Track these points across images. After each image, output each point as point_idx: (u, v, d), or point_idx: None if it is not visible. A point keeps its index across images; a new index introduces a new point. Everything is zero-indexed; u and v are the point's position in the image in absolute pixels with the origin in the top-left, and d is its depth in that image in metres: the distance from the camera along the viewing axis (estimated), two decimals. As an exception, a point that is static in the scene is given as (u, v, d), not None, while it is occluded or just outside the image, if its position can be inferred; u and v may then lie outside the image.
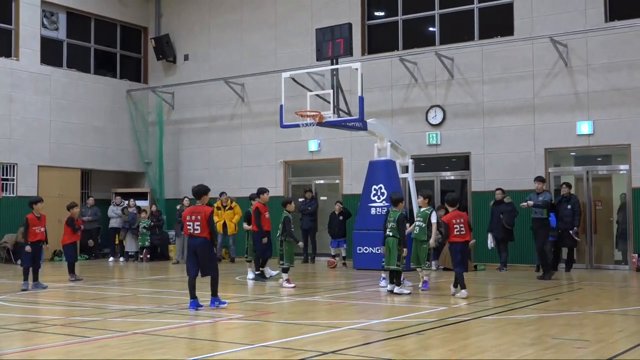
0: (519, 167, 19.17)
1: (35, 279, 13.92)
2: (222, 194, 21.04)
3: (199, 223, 10.40)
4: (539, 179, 16.47)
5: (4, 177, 21.60)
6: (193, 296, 10.52)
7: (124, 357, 7.15)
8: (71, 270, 15.52)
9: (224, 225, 20.47)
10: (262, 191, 15.27)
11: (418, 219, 13.11)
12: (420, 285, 13.02)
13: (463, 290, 11.79)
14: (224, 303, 10.72)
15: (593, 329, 8.83)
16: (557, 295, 12.50)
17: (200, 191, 10.79)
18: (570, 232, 16.96)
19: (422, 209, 13.12)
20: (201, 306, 10.48)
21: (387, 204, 17.55)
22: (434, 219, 12.91)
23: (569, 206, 17.05)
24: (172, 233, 22.39)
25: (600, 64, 18.40)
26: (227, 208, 20.72)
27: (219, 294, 10.73)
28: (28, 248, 13.68)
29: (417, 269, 13.17)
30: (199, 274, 10.63)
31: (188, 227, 10.51)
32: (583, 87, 18.56)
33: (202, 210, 10.48)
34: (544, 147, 18.99)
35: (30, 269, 13.79)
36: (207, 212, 10.45)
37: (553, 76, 18.95)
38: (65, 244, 15.76)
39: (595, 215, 18.55)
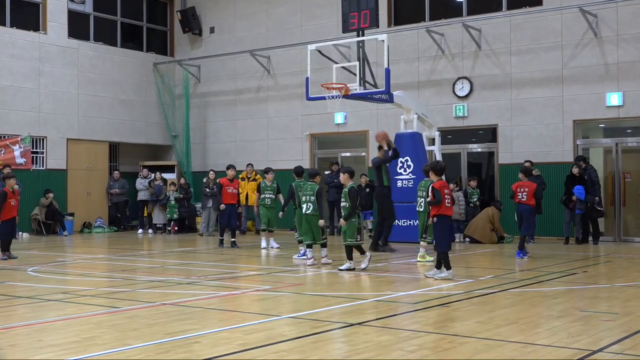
0: (547, 139, 19.00)
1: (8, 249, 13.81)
2: (248, 165, 21.16)
3: (526, 193, 13.76)
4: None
5: (34, 149, 21.84)
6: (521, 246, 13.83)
7: (153, 327, 7.26)
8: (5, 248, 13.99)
9: (247, 196, 20.49)
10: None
11: (423, 191, 12.94)
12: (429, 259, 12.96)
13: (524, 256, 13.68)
14: (526, 255, 13.66)
15: (621, 302, 8.79)
16: (585, 268, 12.45)
17: (528, 170, 14.61)
18: (594, 204, 16.85)
19: (423, 181, 13.02)
20: (527, 254, 13.67)
21: (413, 177, 17.55)
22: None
23: (585, 177, 16.97)
24: (199, 205, 22.53)
25: (630, 34, 18.10)
26: (250, 179, 20.73)
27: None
28: None
29: (425, 242, 13.15)
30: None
31: (518, 195, 13.86)
32: (613, 58, 18.28)
33: (529, 185, 13.94)
34: (572, 119, 18.78)
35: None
36: (532, 187, 13.89)
37: (582, 47, 18.68)
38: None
39: (624, 188, 18.36)
